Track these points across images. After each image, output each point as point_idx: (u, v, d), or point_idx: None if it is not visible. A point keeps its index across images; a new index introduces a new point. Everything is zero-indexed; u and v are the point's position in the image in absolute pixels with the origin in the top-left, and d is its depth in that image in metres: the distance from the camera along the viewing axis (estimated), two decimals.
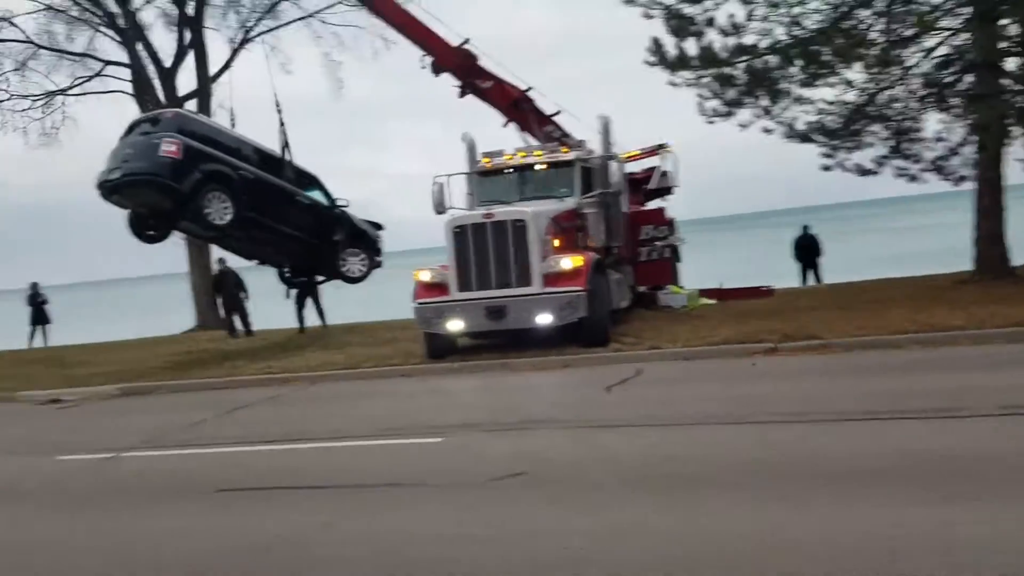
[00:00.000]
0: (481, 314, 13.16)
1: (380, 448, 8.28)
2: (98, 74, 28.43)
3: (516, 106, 16.91)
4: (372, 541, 5.41)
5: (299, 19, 28.71)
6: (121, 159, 15.12)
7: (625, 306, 15.66)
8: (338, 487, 6.91)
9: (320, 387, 12.90)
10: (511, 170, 15.14)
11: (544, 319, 12.99)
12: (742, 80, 15.90)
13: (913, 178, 17.53)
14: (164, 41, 29.02)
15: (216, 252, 21.64)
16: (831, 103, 16.53)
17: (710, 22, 15.52)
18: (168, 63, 27.77)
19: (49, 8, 27.24)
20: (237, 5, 28.45)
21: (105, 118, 29.80)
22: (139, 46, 27.52)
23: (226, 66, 28.08)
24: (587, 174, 15.01)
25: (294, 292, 19.87)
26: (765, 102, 16.24)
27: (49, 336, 27.01)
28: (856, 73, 15.82)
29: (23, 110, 28.17)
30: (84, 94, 28.94)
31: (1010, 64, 15.60)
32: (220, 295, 22.35)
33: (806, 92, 16.21)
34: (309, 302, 20.01)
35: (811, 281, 22.21)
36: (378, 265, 18.98)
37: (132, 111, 26.63)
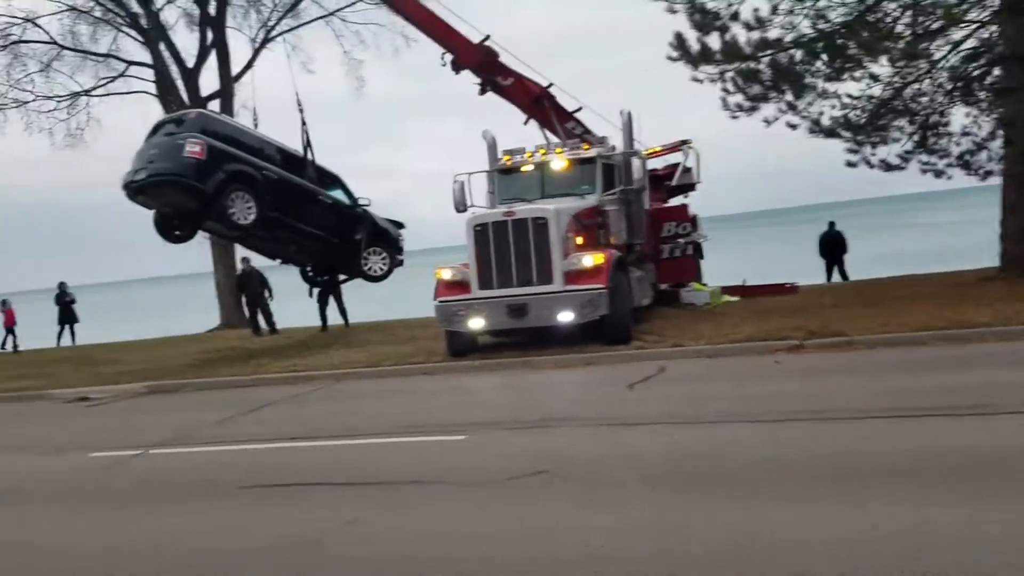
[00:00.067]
0: (502, 312, 13.16)
1: (402, 446, 8.31)
2: (122, 75, 28.79)
3: (537, 103, 16.88)
4: (395, 538, 5.44)
5: (320, 18, 28.99)
6: (146, 160, 15.28)
7: (647, 304, 15.60)
8: (361, 484, 6.95)
9: (343, 385, 12.98)
10: (532, 168, 15.13)
11: (565, 317, 12.97)
12: (766, 75, 15.77)
13: (939, 173, 17.32)
14: (187, 41, 29.36)
15: (240, 251, 21.82)
16: (856, 97, 16.34)
17: (735, 16, 15.37)
18: (191, 63, 28.06)
19: (73, 9, 27.61)
20: (258, 4, 28.76)
21: (129, 119, 30.14)
22: (162, 46, 27.82)
23: (248, 66, 28.34)
24: (609, 171, 14.95)
25: (317, 291, 20.02)
26: (789, 97, 16.10)
27: (77, 335, 27.39)
28: (882, 67, 15.63)
29: (48, 111, 28.62)
30: (108, 95, 29.35)
31: None
32: (244, 294, 22.55)
33: (831, 86, 16.06)
34: (331, 301, 20.14)
35: (836, 278, 22.03)
36: (399, 264, 19.05)
37: (156, 112, 26.96)
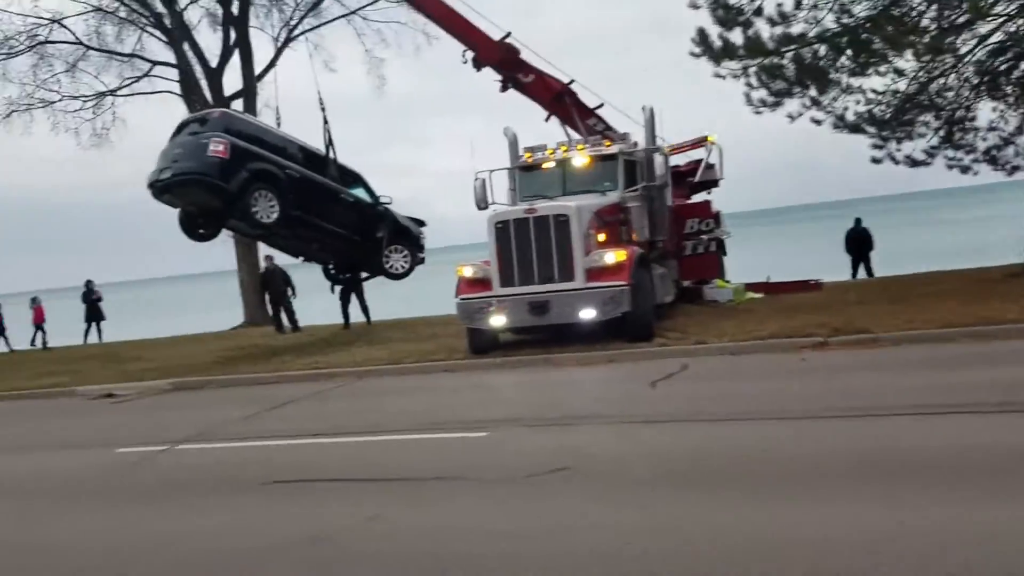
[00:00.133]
0: (524, 309, 13.16)
1: (424, 443, 8.34)
2: (146, 75, 29.07)
3: (558, 99, 16.84)
4: (417, 535, 5.45)
5: (342, 16, 29.09)
6: (171, 159, 15.42)
7: (670, 301, 15.54)
8: (384, 480, 6.98)
9: (365, 382, 13.03)
10: (553, 164, 15.10)
11: (587, 314, 12.95)
12: (790, 70, 15.65)
13: (965, 169, 17.12)
14: (210, 41, 29.57)
15: (264, 250, 21.98)
16: (881, 93, 16.21)
17: (758, 11, 15.27)
18: (214, 63, 28.27)
19: (98, 10, 27.90)
20: (281, 3, 28.92)
21: (154, 118, 30.46)
22: (185, 46, 28.06)
23: (271, 65, 28.52)
24: (631, 167, 14.90)
25: (339, 288, 20.12)
26: (813, 92, 15.97)
27: (103, 332, 27.72)
28: (907, 61, 15.49)
29: (74, 111, 28.94)
30: (133, 95, 29.65)
31: None
32: (268, 292, 22.71)
33: (855, 81, 15.93)
34: (353, 298, 20.23)
35: (862, 275, 21.85)
36: (421, 261, 19.09)
37: (180, 111, 27.19)
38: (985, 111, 16.61)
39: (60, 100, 28.56)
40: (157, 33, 28.51)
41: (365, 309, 20.43)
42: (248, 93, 28.07)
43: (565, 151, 15.17)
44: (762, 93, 15.96)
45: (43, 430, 12.38)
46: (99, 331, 27.57)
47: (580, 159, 14.93)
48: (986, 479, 5.38)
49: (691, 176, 18.02)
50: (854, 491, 5.39)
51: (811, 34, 15.40)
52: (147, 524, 6.43)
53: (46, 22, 27.73)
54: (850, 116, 16.38)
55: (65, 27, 28.11)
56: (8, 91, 28.80)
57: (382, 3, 28.24)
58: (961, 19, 15.15)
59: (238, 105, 27.07)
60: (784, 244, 51.50)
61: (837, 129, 16.53)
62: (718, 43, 15.52)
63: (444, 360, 13.65)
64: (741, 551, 4.60)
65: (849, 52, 15.30)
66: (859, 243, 22.24)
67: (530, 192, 14.99)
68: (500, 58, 16.67)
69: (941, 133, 16.76)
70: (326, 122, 17.32)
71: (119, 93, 29.31)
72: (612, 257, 12.98)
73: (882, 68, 15.59)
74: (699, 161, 18.04)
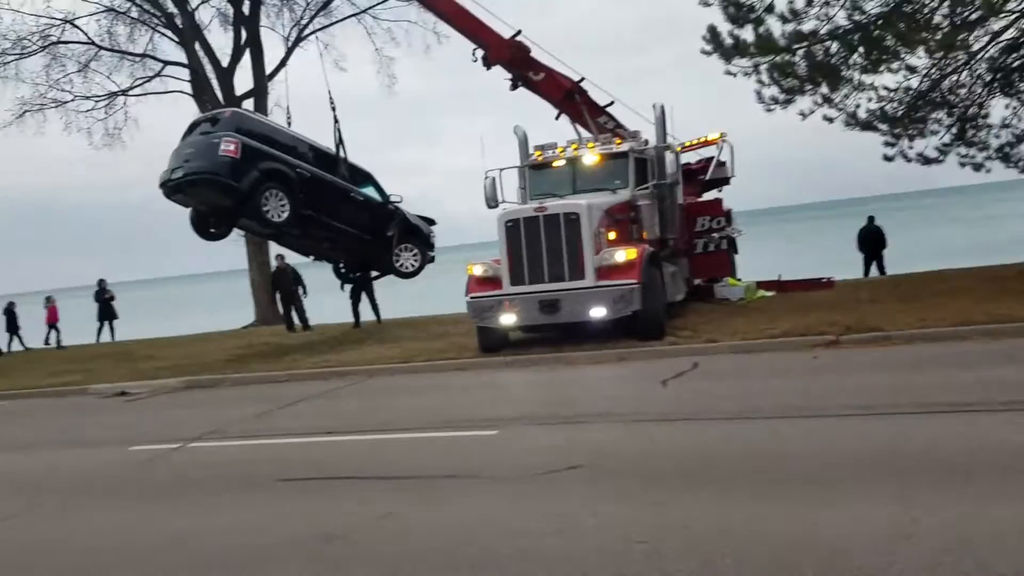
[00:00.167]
0: (534, 308, 13.16)
1: (436, 441, 8.35)
2: (158, 74, 29.21)
3: (568, 97, 16.81)
4: (430, 532, 5.46)
5: (352, 15, 29.13)
6: (182, 159, 15.49)
7: (681, 299, 15.51)
8: (396, 478, 7.00)
9: (376, 381, 13.06)
10: (563, 163, 15.09)
11: (598, 312, 12.93)
12: (802, 67, 15.59)
13: (978, 167, 17.02)
14: (221, 41, 29.67)
15: (275, 249, 22.04)
16: (893, 90, 16.13)
17: (769, 8, 15.21)
18: (225, 62, 28.35)
19: (110, 10, 28.05)
20: (291, 2, 28.98)
21: (166, 118, 30.58)
22: (197, 46, 28.15)
23: (281, 64, 28.61)
24: (641, 165, 14.88)
25: (349, 287, 20.17)
26: (825, 89, 15.90)
27: (116, 331, 27.86)
28: (919, 58, 15.42)
29: (87, 111, 29.09)
30: (145, 94, 29.80)
31: None
32: (279, 291, 22.78)
33: (867, 78, 15.85)
34: (364, 297, 20.28)
35: (874, 273, 21.77)
36: (431, 260, 19.13)
37: (192, 111, 27.31)
38: (998, 108, 16.55)
39: (72, 100, 28.76)
40: (169, 33, 28.65)
41: (375, 308, 20.48)
42: (259, 93, 28.16)
43: (575, 149, 15.16)
44: (773, 91, 15.92)
45: (56, 428, 12.46)
46: (112, 330, 27.72)
47: (590, 157, 14.91)
48: (999, 477, 5.35)
49: (702, 174, 18.00)
50: (866, 490, 5.37)
51: (823, 31, 15.34)
52: (160, 521, 6.47)
53: (58, 22, 27.93)
54: (862, 113, 16.32)
55: (77, 27, 28.31)
56: (21, 91, 29.09)
57: (392, 2, 28.43)
58: (974, 15, 15.04)
59: (249, 104, 27.16)
60: (795, 242, 51.30)
61: (849, 127, 16.47)
62: (729, 41, 15.47)
63: (455, 358, 13.67)
64: (753, 550, 4.59)
65: (861, 49, 15.21)
66: (872, 241, 22.16)
67: (540, 190, 14.98)
68: (510, 56, 16.64)
69: (954, 130, 16.68)
70: (336, 121, 17.37)
71: (131, 93, 29.50)
72: (622, 255, 12.97)
73: (894, 65, 15.51)
74: (710, 159, 18.03)
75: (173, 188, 15.62)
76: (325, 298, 22.60)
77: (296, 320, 21.83)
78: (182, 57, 28.55)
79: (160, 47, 29.13)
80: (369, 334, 18.52)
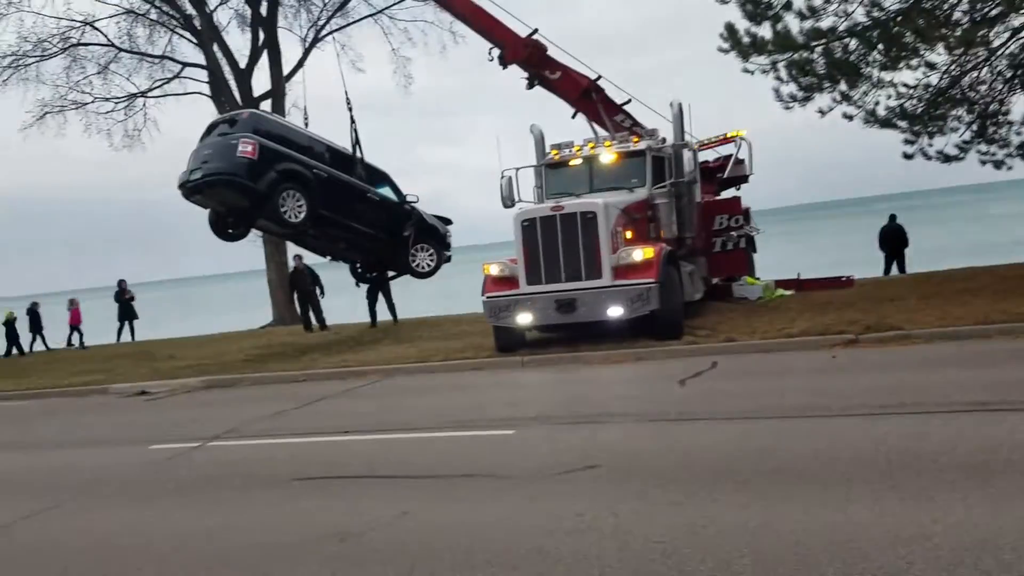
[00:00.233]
0: (551, 307, 13.14)
1: (453, 440, 8.36)
2: (177, 76, 29.46)
3: (585, 96, 16.77)
4: (447, 531, 5.47)
5: (368, 16, 29.27)
6: (201, 160, 15.60)
7: (699, 298, 15.44)
8: (413, 477, 7.01)
9: (393, 380, 13.10)
10: (580, 161, 15.06)
11: (615, 312, 12.90)
12: (820, 65, 15.48)
13: (999, 164, 16.85)
14: (239, 42, 29.87)
15: (292, 249, 22.16)
16: (912, 87, 16.01)
17: (787, 5, 15.11)
18: (243, 63, 28.55)
19: (129, 12, 28.30)
20: (308, 3, 29.13)
21: (185, 119, 30.77)
22: (215, 47, 28.34)
23: (299, 65, 28.75)
24: (659, 163, 14.82)
25: (366, 287, 20.24)
26: (844, 87, 15.79)
27: (136, 331, 28.10)
28: (939, 55, 15.26)
29: (107, 112, 29.37)
30: (164, 96, 30.05)
31: None
32: (296, 291, 22.90)
33: (886, 76, 15.73)
34: (381, 297, 20.34)
35: (895, 271, 21.63)
36: (447, 260, 19.16)
37: (210, 112, 27.50)
38: (1019, 105, 16.48)
39: (92, 102, 29.06)
40: (187, 35, 28.86)
41: (392, 307, 20.54)
42: (276, 93, 28.32)
43: (592, 148, 15.12)
44: (791, 88, 15.82)
45: (77, 427, 12.57)
46: (132, 330, 27.95)
47: (607, 156, 14.87)
48: (1019, 477, 5.30)
49: (720, 172, 17.91)
50: (886, 489, 5.33)
51: (841, 28, 15.23)
52: (179, 519, 6.52)
53: (78, 24, 28.23)
54: (881, 111, 16.19)
55: (97, 29, 28.60)
56: (42, 93, 29.41)
57: (408, 2, 28.44)
58: (993, 12, 14.90)
59: (267, 105, 27.34)
60: (813, 240, 51.03)
61: (868, 124, 16.34)
62: (746, 38, 15.39)
63: (471, 358, 13.68)
64: (772, 550, 4.56)
65: (880, 46, 15.09)
66: (893, 239, 22.01)
67: (557, 189, 14.96)
68: (527, 55, 16.63)
69: (974, 127, 16.52)
70: (353, 121, 17.43)
71: (150, 94, 29.76)
72: (640, 254, 12.92)
73: (913, 62, 15.37)
74: (728, 157, 17.93)
75: (192, 189, 15.73)
76: (342, 298, 22.69)
77: (313, 320, 21.93)
78: (200, 59, 28.78)
79: (179, 49, 29.44)
80: (386, 334, 18.58)
